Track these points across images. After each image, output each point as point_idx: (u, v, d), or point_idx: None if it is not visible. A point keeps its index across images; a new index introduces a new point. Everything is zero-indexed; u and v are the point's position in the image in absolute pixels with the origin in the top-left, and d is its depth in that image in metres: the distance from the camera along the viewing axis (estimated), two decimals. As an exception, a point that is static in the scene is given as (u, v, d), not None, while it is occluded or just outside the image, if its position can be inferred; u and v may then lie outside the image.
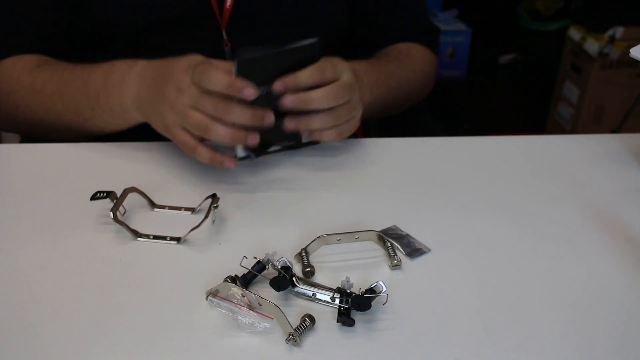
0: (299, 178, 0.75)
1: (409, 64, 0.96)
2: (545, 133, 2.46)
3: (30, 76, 0.83)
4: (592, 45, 2.15)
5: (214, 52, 0.88)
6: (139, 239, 0.64)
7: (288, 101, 0.70)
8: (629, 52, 0.74)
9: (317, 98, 0.71)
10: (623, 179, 0.76)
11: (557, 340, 0.53)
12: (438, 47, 1.04)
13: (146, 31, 0.86)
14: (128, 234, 0.64)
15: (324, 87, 0.71)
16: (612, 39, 2.11)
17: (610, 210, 0.70)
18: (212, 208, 0.64)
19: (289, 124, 0.71)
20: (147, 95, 0.74)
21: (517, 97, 2.61)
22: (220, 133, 0.67)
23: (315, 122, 0.72)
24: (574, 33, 2.26)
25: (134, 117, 0.77)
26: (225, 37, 0.88)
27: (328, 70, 0.72)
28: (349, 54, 0.84)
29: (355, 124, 0.76)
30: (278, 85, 0.69)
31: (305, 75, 0.70)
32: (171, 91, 0.69)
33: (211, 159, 0.69)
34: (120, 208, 0.65)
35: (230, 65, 0.69)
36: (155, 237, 0.64)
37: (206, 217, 0.64)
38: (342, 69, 0.73)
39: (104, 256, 0.62)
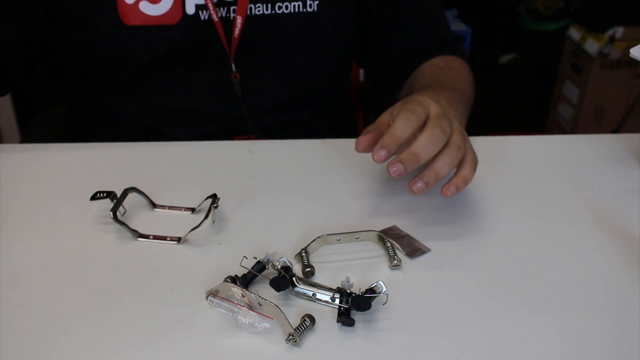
0: (299, 178, 0.75)
1: (458, 77, 0.89)
2: (545, 133, 2.46)
3: None
4: (592, 45, 2.15)
5: (222, 83, 0.87)
6: (139, 239, 0.64)
7: (396, 174, 0.59)
8: (629, 52, 0.74)
9: (424, 144, 0.59)
10: (623, 179, 0.76)
11: (556, 340, 0.53)
12: (467, 56, 0.97)
13: (153, 63, 0.85)
14: (128, 234, 0.64)
15: (422, 132, 0.61)
16: (612, 39, 2.11)
17: (610, 210, 0.70)
18: (212, 208, 0.64)
19: (418, 188, 0.60)
20: None
21: (517, 97, 2.61)
22: None
23: (442, 167, 0.61)
24: (574, 33, 2.26)
25: None
26: (234, 69, 0.86)
27: (418, 109, 0.62)
28: (373, 78, 0.76)
29: (470, 147, 0.65)
30: (377, 155, 0.58)
31: (401, 126, 0.60)
32: None
33: None
34: (120, 208, 0.65)
35: None
36: (155, 237, 0.64)
37: (206, 217, 0.64)
38: (425, 102, 0.64)
39: (104, 256, 0.62)
